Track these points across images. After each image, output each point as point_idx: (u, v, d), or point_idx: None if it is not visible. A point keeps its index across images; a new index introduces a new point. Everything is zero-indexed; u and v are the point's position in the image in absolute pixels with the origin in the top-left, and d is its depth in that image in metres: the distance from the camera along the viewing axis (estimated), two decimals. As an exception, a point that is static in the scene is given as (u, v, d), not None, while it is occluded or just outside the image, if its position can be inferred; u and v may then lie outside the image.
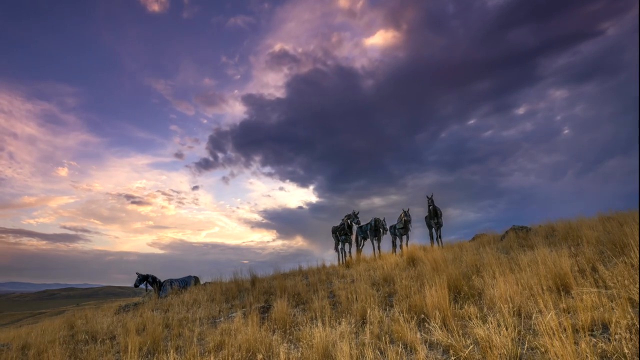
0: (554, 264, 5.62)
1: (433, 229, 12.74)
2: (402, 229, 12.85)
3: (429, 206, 12.45)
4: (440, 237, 12.57)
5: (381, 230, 12.99)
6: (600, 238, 7.18)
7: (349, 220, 13.30)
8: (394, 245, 13.64)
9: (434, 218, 12.47)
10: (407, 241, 12.87)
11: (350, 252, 13.62)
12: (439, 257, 8.02)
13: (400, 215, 12.89)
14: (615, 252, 6.12)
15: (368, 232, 13.46)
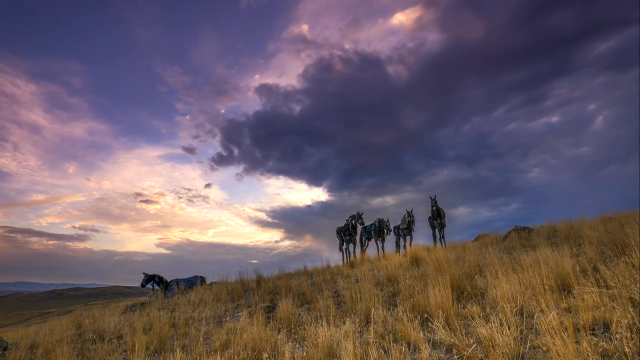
0: (556, 264, 5.67)
1: (436, 229, 12.83)
2: (405, 229, 12.99)
3: (432, 207, 12.53)
4: (443, 237, 12.64)
5: (385, 230, 13.03)
6: (602, 238, 7.24)
7: (353, 221, 13.41)
8: (398, 246, 13.77)
9: (437, 219, 12.56)
10: (410, 241, 13.03)
11: (354, 252, 13.75)
12: (442, 257, 8.08)
13: (404, 215, 13.03)
14: (616, 252, 6.18)
15: (372, 232, 13.52)
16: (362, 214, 13.22)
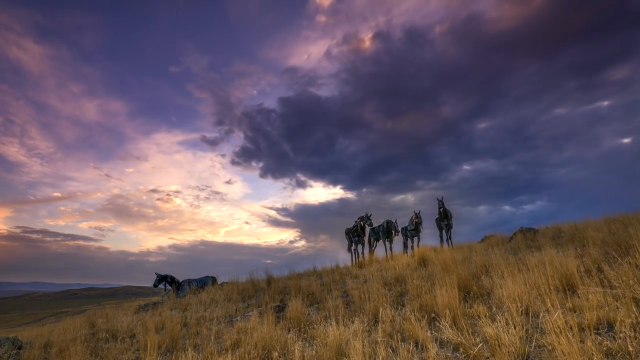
0: (561, 264, 5.74)
1: (443, 230, 13.00)
2: (413, 230, 13.15)
3: (439, 208, 12.73)
4: (450, 238, 12.81)
5: (393, 231, 13.22)
6: (606, 239, 7.29)
7: (361, 222, 13.66)
8: (406, 247, 13.91)
9: (444, 220, 12.75)
10: (418, 242, 13.17)
11: (363, 253, 13.95)
12: (449, 257, 8.19)
13: (412, 217, 13.21)
14: (620, 253, 6.22)
15: (380, 233, 13.69)
16: (370, 215, 13.44)
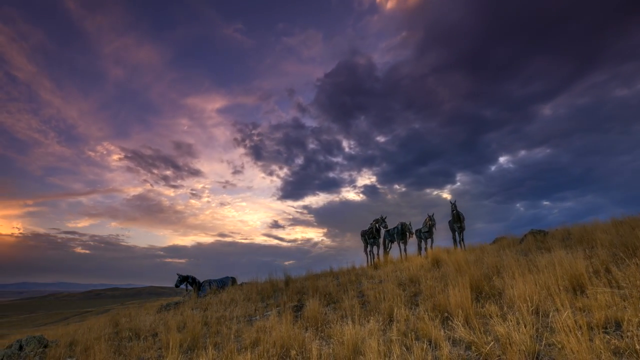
0: (570, 265, 5.81)
1: (456, 232, 13.30)
2: (427, 232, 13.40)
3: (453, 211, 13.07)
4: (463, 240, 13.13)
5: (407, 233, 13.54)
6: (613, 241, 7.36)
7: (377, 225, 13.95)
8: (420, 248, 14.13)
9: (457, 222, 13.07)
10: (431, 244, 13.38)
11: (378, 254, 14.22)
12: (461, 259, 8.30)
13: (426, 219, 13.47)
14: (627, 254, 6.28)
15: (395, 235, 13.99)
16: (385, 218, 13.78)
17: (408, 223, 13.65)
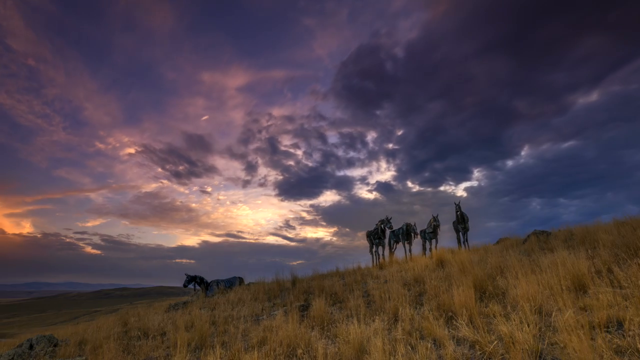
0: (572, 265, 5.86)
1: (460, 233, 13.46)
2: (431, 233, 13.57)
3: (457, 212, 13.22)
4: (467, 240, 13.30)
5: (412, 234, 13.74)
6: (615, 242, 7.39)
7: (382, 225, 14.12)
8: (424, 249, 14.30)
9: (461, 223, 13.25)
10: (436, 245, 13.53)
11: (383, 254, 14.36)
12: (465, 259, 8.37)
13: (430, 220, 13.65)
14: (629, 255, 6.33)
15: (400, 236, 14.17)
16: (390, 219, 13.95)
17: (413, 224, 13.86)
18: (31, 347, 7.82)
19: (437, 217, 13.53)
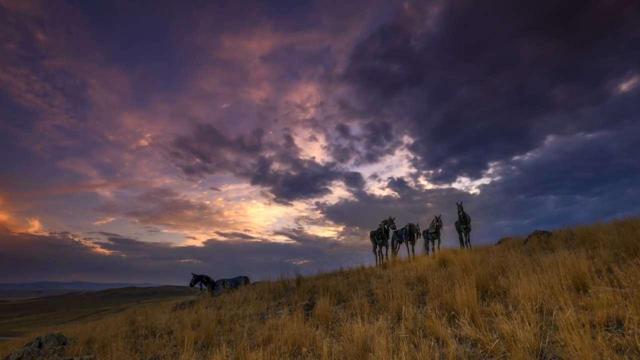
0: (573, 265, 5.93)
1: (462, 233, 13.58)
2: (434, 233, 13.70)
3: (459, 212, 13.36)
4: (469, 240, 13.41)
5: (415, 234, 13.84)
6: (615, 242, 7.45)
7: (385, 226, 14.20)
8: (427, 248, 14.43)
9: (463, 223, 13.38)
10: (438, 245, 13.64)
11: (386, 254, 14.45)
12: (467, 259, 8.43)
13: (433, 221, 13.76)
14: (629, 254, 6.41)
15: (403, 236, 14.29)
16: (393, 219, 14.04)
17: (416, 224, 13.96)
18: (40, 345, 7.93)
19: (439, 217, 13.65)
